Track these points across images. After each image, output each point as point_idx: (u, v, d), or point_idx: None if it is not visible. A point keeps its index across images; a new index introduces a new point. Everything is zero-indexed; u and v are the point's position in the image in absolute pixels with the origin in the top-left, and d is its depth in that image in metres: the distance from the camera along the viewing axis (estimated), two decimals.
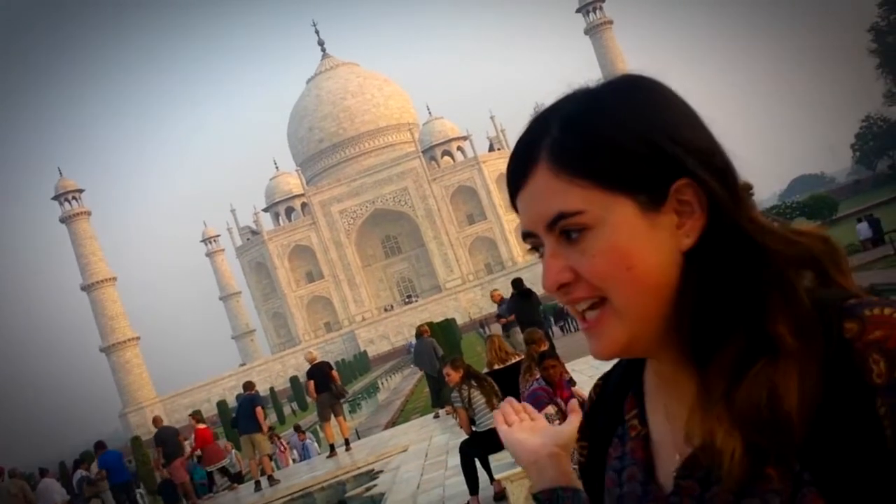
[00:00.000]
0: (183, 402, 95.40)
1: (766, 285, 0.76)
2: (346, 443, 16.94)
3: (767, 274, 0.76)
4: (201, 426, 18.27)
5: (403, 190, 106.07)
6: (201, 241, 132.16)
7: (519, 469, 6.72)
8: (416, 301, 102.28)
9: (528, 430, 1.11)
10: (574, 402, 1.14)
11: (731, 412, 0.73)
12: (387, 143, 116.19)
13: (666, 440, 0.85)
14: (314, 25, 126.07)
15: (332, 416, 16.25)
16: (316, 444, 21.69)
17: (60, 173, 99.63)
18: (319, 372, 16.05)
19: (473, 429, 8.43)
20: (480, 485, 8.39)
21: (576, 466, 1.05)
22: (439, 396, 16.22)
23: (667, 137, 0.78)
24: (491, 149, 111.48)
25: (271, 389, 57.37)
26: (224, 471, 18.29)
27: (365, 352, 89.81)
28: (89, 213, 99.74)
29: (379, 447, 16.15)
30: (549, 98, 0.84)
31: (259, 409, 15.94)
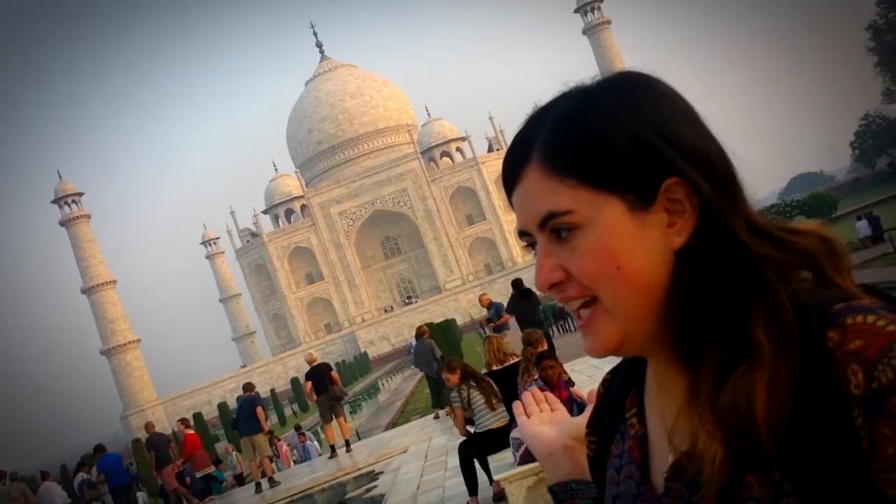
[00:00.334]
0: (184, 405, 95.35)
1: (749, 288, 0.75)
2: (347, 444, 16.95)
3: (751, 277, 0.76)
4: (189, 432, 18.37)
5: (403, 191, 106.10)
6: (201, 244, 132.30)
7: (518, 470, 6.73)
8: (416, 302, 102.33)
9: (546, 421, 1.11)
10: (594, 392, 1.11)
11: (714, 414, 0.72)
12: (386, 144, 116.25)
13: (661, 440, 0.84)
14: (312, 27, 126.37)
15: (333, 417, 16.27)
16: (317, 444, 21.72)
17: (60, 176, 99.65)
18: (318, 374, 16.06)
19: (472, 429, 8.44)
20: (480, 486, 8.38)
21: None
22: (439, 397, 16.23)
23: (658, 136, 0.77)
24: (490, 149, 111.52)
25: (272, 391, 57.44)
26: (210, 478, 18.39)
27: (365, 353, 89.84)
28: (89, 217, 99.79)
29: (379, 448, 16.17)
30: (546, 97, 0.84)
31: (259, 408, 15.95)
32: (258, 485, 16.04)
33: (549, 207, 0.78)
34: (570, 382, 8.20)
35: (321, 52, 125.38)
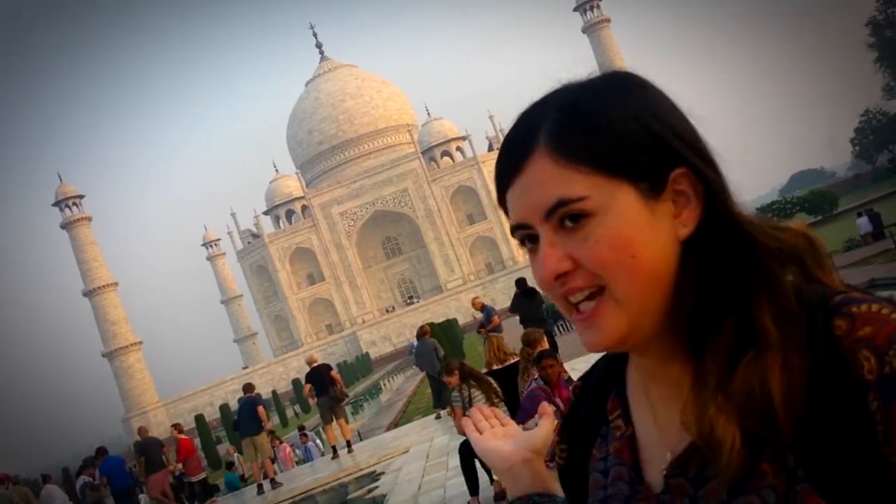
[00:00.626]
0: (186, 406, 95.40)
1: (754, 276, 0.76)
2: (348, 444, 16.91)
3: (756, 265, 0.77)
4: (183, 437, 18.27)
5: (403, 191, 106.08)
6: (202, 245, 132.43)
7: None
8: (418, 302, 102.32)
9: (500, 436, 1.09)
10: (545, 406, 1.13)
11: (729, 400, 0.72)
12: (386, 144, 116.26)
13: (653, 439, 0.84)
14: (312, 28, 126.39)
15: (333, 418, 16.24)
16: (319, 443, 21.70)
17: (60, 179, 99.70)
18: (318, 375, 16.00)
19: None
20: (481, 485, 8.37)
21: (553, 466, 1.04)
22: (441, 397, 16.20)
23: (664, 126, 0.78)
24: (490, 149, 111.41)
25: (273, 392, 57.48)
26: (203, 483, 18.35)
27: (367, 353, 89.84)
28: (90, 219, 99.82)
29: (381, 448, 16.15)
30: (541, 94, 0.84)
31: (261, 408, 15.92)
32: (260, 486, 16.02)
33: (561, 195, 0.77)
34: (570, 381, 8.17)
35: (321, 52, 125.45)
